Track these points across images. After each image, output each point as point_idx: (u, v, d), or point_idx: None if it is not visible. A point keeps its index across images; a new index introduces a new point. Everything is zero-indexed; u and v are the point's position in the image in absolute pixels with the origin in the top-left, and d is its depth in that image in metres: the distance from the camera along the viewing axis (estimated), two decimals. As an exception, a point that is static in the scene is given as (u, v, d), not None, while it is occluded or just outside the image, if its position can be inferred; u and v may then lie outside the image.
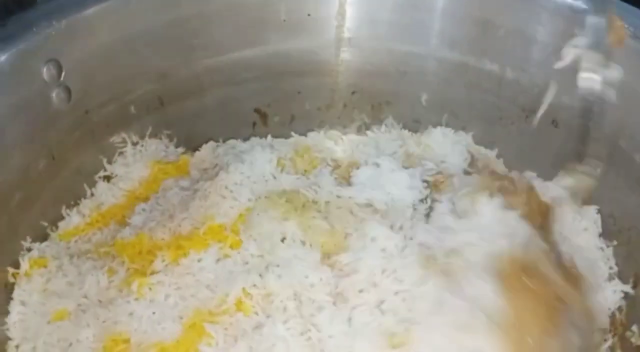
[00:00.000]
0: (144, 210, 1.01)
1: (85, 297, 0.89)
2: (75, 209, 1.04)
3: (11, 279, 0.91)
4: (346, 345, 0.80)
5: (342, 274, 0.88)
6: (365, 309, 0.83)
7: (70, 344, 0.84)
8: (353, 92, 1.25)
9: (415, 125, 1.23)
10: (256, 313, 0.84)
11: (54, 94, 0.97)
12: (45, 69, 0.95)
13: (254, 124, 1.24)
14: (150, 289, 0.87)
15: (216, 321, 0.83)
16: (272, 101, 1.24)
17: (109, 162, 1.10)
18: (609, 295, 0.95)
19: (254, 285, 0.85)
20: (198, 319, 0.83)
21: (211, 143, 1.15)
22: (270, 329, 0.81)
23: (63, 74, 0.97)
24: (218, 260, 0.89)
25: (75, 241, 0.99)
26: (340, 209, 0.97)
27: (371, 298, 0.84)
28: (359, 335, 0.80)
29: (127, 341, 0.83)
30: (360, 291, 0.85)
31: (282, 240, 0.92)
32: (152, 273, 0.88)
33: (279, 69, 1.20)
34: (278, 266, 0.87)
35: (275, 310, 0.84)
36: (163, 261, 0.89)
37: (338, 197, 0.99)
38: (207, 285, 0.87)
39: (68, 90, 0.99)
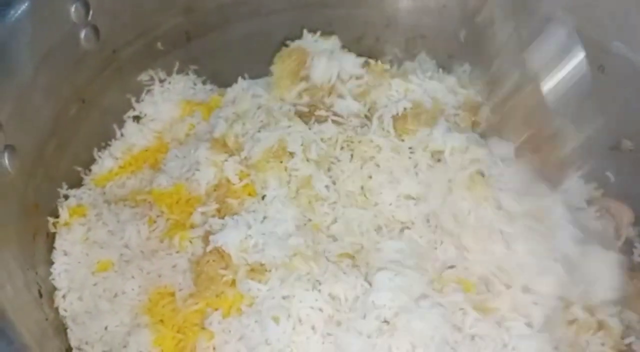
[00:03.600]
0: (177, 156, 0.99)
1: (127, 247, 0.89)
2: (107, 151, 1.03)
3: (52, 229, 0.91)
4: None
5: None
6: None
7: (116, 295, 0.86)
8: (387, 25, 1.18)
9: (449, 61, 1.18)
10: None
11: (82, 35, 0.93)
12: (72, 9, 0.90)
13: (282, 57, 1.19)
14: (190, 242, 0.87)
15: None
16: (301, 34, 1.18)
17: (137, 101, 1.07)
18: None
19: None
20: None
21: (241, 81, 1.11)
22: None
23: (90, 13, 0.93)
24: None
25: (110, 186, 0.98)
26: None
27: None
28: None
29: (172, 294, 0.84)
30: None
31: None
32: (192, 227, 0.88)
33: (308, 0, 1.14)
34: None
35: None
36: (203, 214, 0.89)
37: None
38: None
39: (96, 30, 0.95)
